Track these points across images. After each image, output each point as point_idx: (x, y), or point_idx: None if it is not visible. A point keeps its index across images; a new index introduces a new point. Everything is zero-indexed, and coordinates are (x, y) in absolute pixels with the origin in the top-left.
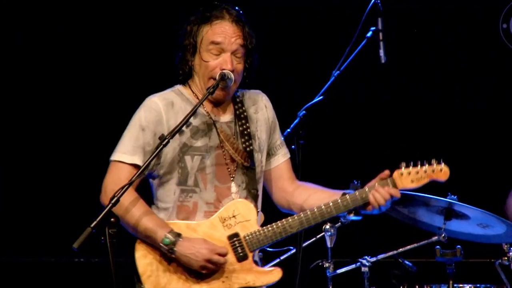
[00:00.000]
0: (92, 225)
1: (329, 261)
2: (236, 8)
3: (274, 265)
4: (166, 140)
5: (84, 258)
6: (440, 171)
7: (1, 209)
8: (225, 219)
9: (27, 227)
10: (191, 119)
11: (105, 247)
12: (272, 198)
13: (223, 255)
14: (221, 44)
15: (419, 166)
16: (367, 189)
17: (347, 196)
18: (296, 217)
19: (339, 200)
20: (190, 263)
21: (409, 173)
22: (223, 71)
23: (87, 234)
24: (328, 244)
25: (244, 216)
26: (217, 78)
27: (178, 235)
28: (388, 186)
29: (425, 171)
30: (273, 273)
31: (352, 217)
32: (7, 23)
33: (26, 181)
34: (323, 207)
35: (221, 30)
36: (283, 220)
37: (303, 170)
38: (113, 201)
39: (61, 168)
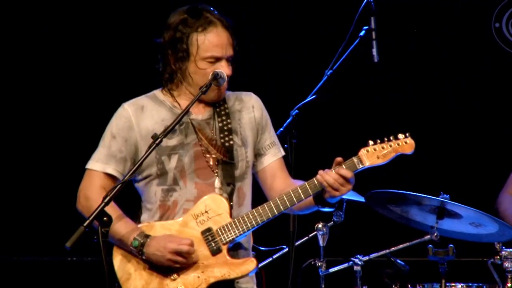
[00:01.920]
0: (85, 224)
1: (322, 260)
2: (212, 8)
3: (266, 264)
4: (159, 139)
5: (76, 257)
6: (405, 144)
7: None
8: (197, 216)
9: (19, 227)
10: (167, 119)
11: (98, 246)
12: (268, 199)
13: (190, 244)
14: (220, 55)
15: (385, 141)
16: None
17: (306, 183)
18: (265, 205)
19: (298, 188)
20: (159, 261)
21: (375, 150)
22: (216, 70)
23: (80, 233)
24: (321, 243)
25: (216, 210)
26: (209, 77)
27: (146, 236)
28: (344, 169)
29: (391, 146)
30: (247, 263)
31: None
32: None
33: (19, 181)
34: (284, 195)
35: (218, 40)
36: (253, 209)
37: (296, 169)
38: (105, 200)
39: (54, 168)
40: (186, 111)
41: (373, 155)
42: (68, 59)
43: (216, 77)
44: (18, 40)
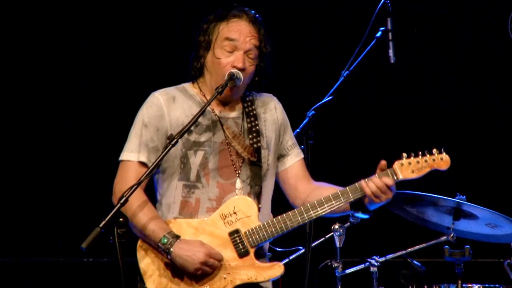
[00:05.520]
0: (101, 225)
1: (338, 261)
2: (253, 11)
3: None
4: (175, 140)
5: (92, 258)
6: (441, 160)
7: (11, 209)
8: (226, 216)
9: (36, 227)
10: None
11: (114, 247)
12: (288, 199)
13: (219, 260)
14: (235, 41)
15: (420, 156)
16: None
17: (347, 188)
18: (296, 211)
19: (339, 192)
20: (185, 265)
21: (410, 163)
22: (232, 70)
23: (96, 234)
24: (337, 244)
25: (245, 212)
26: (225, 77)
27: (177, 236)
28: (387, 177)
29: (426, 161)
30: (275, 268)
31: (360, 214)
32: (8, 23)
33: (37, 182)
34: (323, 200)
35: (237, 28)
36: (283, 214)
37: (312, 170)
38: (121, 201)
39: (73, 169)
40: (202, 112)
41: (407, 168)
42: (83, 57)
43: (232, 77)
44: (38, 35)
